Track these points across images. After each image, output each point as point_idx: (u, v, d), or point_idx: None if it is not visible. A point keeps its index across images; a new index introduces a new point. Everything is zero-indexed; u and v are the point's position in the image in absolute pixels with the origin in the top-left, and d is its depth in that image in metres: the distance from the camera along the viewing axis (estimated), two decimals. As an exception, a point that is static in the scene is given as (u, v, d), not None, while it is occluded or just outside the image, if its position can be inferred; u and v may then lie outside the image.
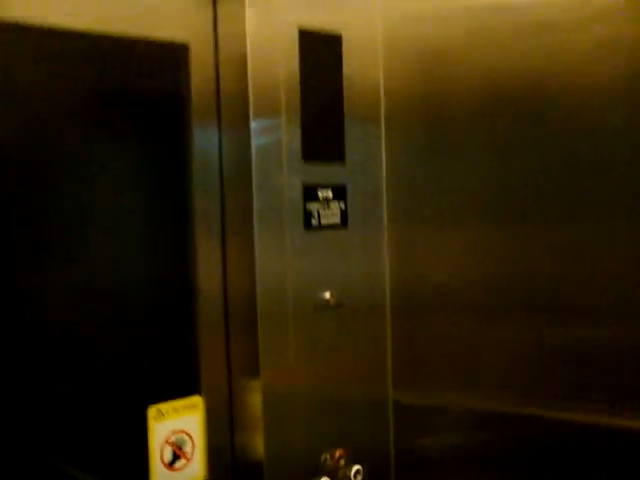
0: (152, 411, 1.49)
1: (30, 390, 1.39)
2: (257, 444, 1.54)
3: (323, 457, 1.61)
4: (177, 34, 1.52)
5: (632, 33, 1.48)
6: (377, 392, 1.77)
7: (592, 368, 1.56)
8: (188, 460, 1.54)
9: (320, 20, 1.59)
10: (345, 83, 1.65)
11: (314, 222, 1.57)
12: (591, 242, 1.57)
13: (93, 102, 1.49)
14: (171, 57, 1.54)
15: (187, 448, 1.54)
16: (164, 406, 1.51)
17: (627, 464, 1.53)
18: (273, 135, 1.54)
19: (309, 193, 1.57)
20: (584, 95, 1.56)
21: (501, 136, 1.66)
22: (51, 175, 1.43)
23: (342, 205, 1.62)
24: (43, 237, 1.41)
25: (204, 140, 1.59)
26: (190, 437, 1.55)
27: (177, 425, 1.53)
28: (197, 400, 1.56)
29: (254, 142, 1.51)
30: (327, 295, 1.59)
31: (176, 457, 1.53)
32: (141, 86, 1.55)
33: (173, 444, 1.52)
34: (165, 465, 1.51)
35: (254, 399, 1.54)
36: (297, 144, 1.56)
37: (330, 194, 1.60)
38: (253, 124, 1.51)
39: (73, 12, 1.39)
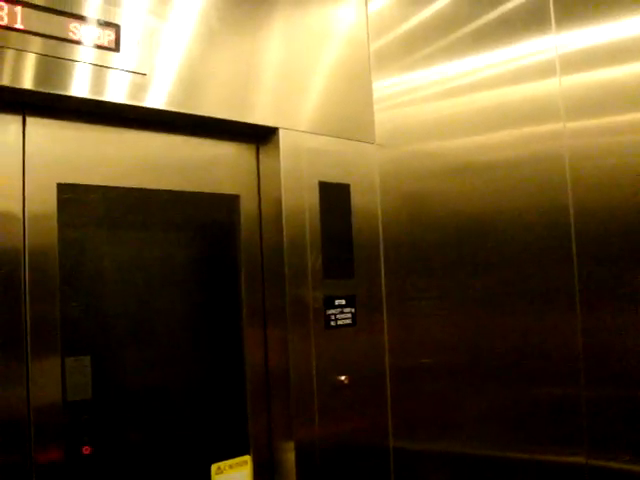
0: (214, 467, 1.98)
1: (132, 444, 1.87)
2: (291, 489, 2.02)
3: (341, 498, 2.09)
4: (232, 189, 2.11)
5: (560, 172, 2.04)
6: (381, 442, 2.25)
7: (548, 416, 2.04)
8: (240, 503, 2.03)
9: (334, 176, 2.16)
10: (353, 217, 2.21)
11: (332, 323, 2.11)
12: (528, 323, 2.09)
13: (185, 229, 2.05)
14: (229, 202, 2.12)
15: (239, 494, 2.03)
16: (222, 464, 2.00)
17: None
18: (300, 257, 2.08)
19: (328, 302, 2.11)
20: (517, 220, 2.11)
21: (462, 253, 2.20)
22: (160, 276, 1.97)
23: (353, 310, 2.16)
24: (137, 328, 1.93)
25: (250, 255, 2.14)
26: (242, 486, 2.04)
27: (232, 478, 2.01)
28: (247, 458, 2.05)
29: (287, 262, 2.04)
30: (343, 377, 2.10)
31: (231, 501, 2.01)
32: (212, 219, 2.12)
33: (229, 491, 2.01)
34: (223, 507, 1.99)
35: (289, 456, 2.03)
36: (318, 265, 2.10)
37: (344, 302, 2.14)
38: (286, 248, 2.05)
39: (172, 181, 1.98)
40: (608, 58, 1.98)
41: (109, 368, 1.83)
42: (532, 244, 2.07)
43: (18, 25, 1.62)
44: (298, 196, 2.09)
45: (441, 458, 2.26)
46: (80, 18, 1.72)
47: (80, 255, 1.81)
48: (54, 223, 1.74)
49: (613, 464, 1.96)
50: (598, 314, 1.96)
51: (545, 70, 2.10)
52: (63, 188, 1.77)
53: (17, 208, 1.69)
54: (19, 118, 1.72)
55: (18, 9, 1.62)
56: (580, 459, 1.99)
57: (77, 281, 1.79)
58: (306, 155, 2.12)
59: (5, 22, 1.60)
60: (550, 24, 2.10)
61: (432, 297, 2.27)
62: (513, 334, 2.13)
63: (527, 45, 2.14)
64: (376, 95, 2.32)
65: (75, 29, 1.71)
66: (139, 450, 1.88)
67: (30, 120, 1.74)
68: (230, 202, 2.12)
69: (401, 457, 2.25)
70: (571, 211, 2.01)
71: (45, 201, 1.73)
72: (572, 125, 2.04)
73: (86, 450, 1.73)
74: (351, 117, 2.27)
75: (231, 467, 2.02)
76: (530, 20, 2.14)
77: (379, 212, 2.30)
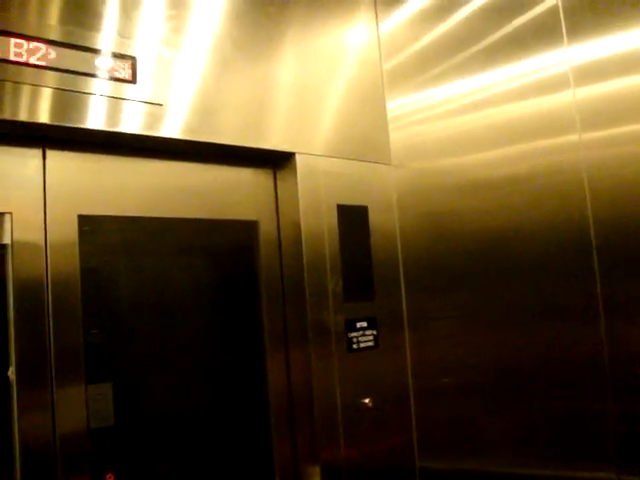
0: (240, 494, 1.98)
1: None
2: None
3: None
4: (251, 215, 2.12)
5: (578, 183, 2.03)
6: (407, 462, 2.23)
7: (576, 431, 2.00)
8: (267, 529, 2.01)
9: (352, 198, 2.17)
10: (372, 239, 2.21)
11: (355, 346, 2.10)
12: (552, 337, 2.06)
13: (205, 256, 2.07)
14: (248, 228, 2.14)
15: (267, 521, 2.01)
16: (248, 490, 1.99)
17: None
18: (321, 280, 2.08)
19: (350, 325, 2.10)
20: (537, 234, 2.10)
21: (482, 269, 2.19)
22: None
23: (374, 332, 2.15)
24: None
25: (270, 279, 2.15)
26: (268, 512, 2.02)
27: (258, 504, 2.01)
28: (273, 484, 2.05)
29: (307, 286, 2.05)
30: (367, 400, 2.09)
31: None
32: (232, 245, 2.14)
33: (256, 518, 2.00)
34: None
35: (315, 480, 2.02)
36: (339, 288, 2.10)
37: (365, 324, 2.13)
38: (306, 272, 2.05)
39: (191, 209, 2.00)
40: (621, 68, 1.98)
41: (131, 395, 1.84)
42: (553, 257, 2.06)
43: (37, 61, 1.66)
44: (316, 219, 2.10)
45: (468, 477, 2.24)
46: (97, 52, 1.75)
47: (102, 284, 1.83)
48: (76, 254, 1.76)
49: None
50: (622, 325, 1.93)
51: (558, 83, 2.10)
52: (84, 220, 1.79)
53: (39, 240, 1.71)
54: (39, 152, 1.75)
55: (37, 45, 1.66)
56: (611, 475, 1.95)
57: (99, 309, 1.81)
58: (323, 178, 2.13)
59: (24, 59, 1.64)
60: (562, 38, 2.10)
61: (454, 315, 2.25)
62: (537, 349, 2.11)
63: (540, 59, 2.14)
64: (390, 115, 2.34)
65: (92, 63, 1.74)
66: (162, 478, 1.88)
67: (50, 153, 1.77)
68: (249, 228, 2.13)
69: (427, 477, 2.23)
70: (591, 221, 1.99)
71: (66, 232, 1.75)
72: (588, 136, 2.03)
73: (110, 478, 1.74)
74: (366, 138, 2.28)
75: (257, 493, 2.00)
76: (542, 35, 2.15)
77: (397, 232, 2.30)
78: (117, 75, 1.79)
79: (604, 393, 1.94)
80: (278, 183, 2.19)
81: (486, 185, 2.18)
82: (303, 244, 2.06)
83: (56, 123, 1.67)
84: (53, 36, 1.69)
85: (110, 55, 1.77)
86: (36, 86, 1.64)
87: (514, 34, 2.19)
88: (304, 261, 2.06)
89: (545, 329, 2.07)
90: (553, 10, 2.12)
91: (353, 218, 2.17)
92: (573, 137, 2.05)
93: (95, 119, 1.73)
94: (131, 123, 1.79)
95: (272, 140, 2.06)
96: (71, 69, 1.70)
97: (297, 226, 2.08)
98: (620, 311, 1.92)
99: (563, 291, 2.03)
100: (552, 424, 2.06)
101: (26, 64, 1.64)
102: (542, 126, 2.12)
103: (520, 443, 2.13)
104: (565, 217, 2.04)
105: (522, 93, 2.17)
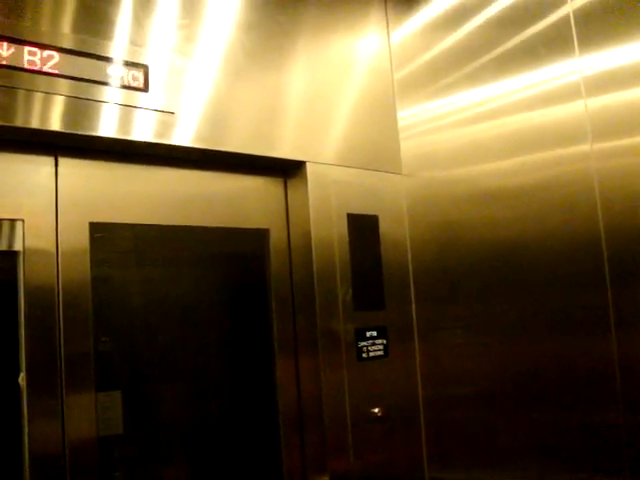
0: (249, 503, 1.97)
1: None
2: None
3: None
4: (261, 224, 2.13)
5: (589, 194, 2.02)
6: (416, 473, 2.22)
7: (587, 444, 1.98)
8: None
9: (362, 208, 2.17)
10: (382, 248, 2.21)
11: (364, 355, 2.09)
12: (562, 348, 2.04)
13: (215, 264, 2.09)
14: (259, 236, 2.15)
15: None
16: (258, 499, 1.99)
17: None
18: (331, 289, 2.08)
19: (359, 334, 2.10)
20: (547, 244, 2.08)
21: (493, 279, 2.17)
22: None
23: (384, 341, 2.15)
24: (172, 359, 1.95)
25: (280, 288, 2.15)
26: (277, 521, 2.01)
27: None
28: (281, 495, 2.04)
29: (317, 295, 2.05)
30: (376, 410, 2.08)
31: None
32: (242, 253, 2.16)
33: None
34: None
35: (324, 492, 2.01)
36: (349, 297, 2.10)
37: (375, 333, 2.13)
38: (316, 281, 2.06)
39: (202, 217, 2.01)
40: (633, 79, 1.96)
41: (140, 403, 1.84)
42: (564, 268, 2.04)
43: (50, 69, 1.67)
44: (327, 228, 2.10)
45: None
46: (109, 60, 1.76)
47: (113, 291, 1.84)
48: (87, 261, 1.76)
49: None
50: (634, 337, 1.91)
51: (570, 93, 2.08)
52: (95, 227, 1.79)
53: (51, 247, 1.72)
54: (51, 159, 1.76)
55: (50, 53, 1.67)
56: (623, 488, 1.92)
57: (109, 317, 1.81)
58: (333, 187, 2.14)
59: (38, 67, 1.65)
60: (573, 48, 2.09)
61: (464, 325, 2.23)
62: (548, 360, 2.08)
63: (551, 69, 2.13)
64: (401, 124, 2.35)
65: (104, 71, 1.75)
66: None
67: (62, 161, 1.78)
68: (260, 236, 2.14)
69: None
70: (602, 232, 1.97)
71: (78, 240, 1.76)
72: (599, 146, 2.02)
73: (118, 486, 1.74)
74: (377, 148, 2.28)
75: (266, 502, 2.00)
76: (553, 45, 2.14)
77: (408, 242, 2.30)
78: (129, 83, 1.80)
79: (615, 405, 1.91)
80: (289, 192, 2.19)
81: (497, 195, 2.17)
82: (313, 253, 2.06)
83: (68, 131, 1.68)
84: (66, 44, 1.70)
85: (122, 63, 1.78)
86: (49, 94, 1.65)
87: (525, 44, 2.18)
88: (314, 270, 2.05)
89: (556, 340, 2.05)
90: (565, 20, 2.11)
91: (363, 227, 2.17)
92: (585, 147, 2.03)
93: (107, 127, 1.74)
94: (143, 131, 1.80)
95: (283, 149, 2.06)
96: (84, 77, 1.71)
97: (307, 235, 2.08)
98: (631, 323, 1.90)
99: (574, 302, 2.01)
100: (563, 436, 2.03)
101: (39, 72, 1.65)
102: (553, 136, 2.11)
103: (530, 454, 2.11)
104: (576, 227, 2.02)
105: (533, 103, 2.16)
